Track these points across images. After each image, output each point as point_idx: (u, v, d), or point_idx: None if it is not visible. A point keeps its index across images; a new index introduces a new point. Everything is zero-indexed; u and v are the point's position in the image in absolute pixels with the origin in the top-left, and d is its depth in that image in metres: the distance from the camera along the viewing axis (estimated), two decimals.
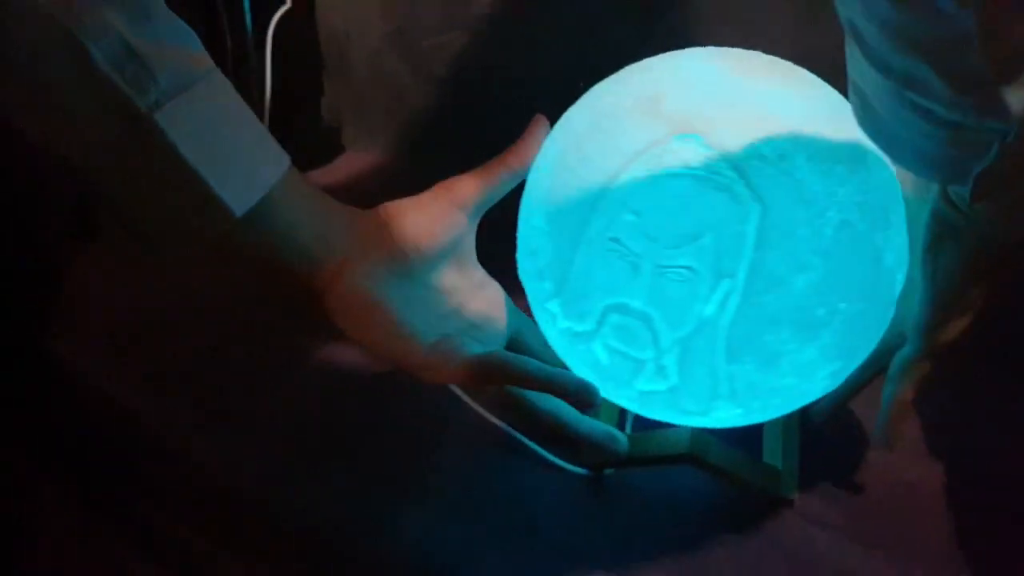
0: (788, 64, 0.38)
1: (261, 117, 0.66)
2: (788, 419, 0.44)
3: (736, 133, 0.33)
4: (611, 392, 0.39)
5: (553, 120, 0.41)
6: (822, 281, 0.34)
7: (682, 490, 0.44)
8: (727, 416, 0.38)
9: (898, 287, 0.37)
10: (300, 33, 0.79)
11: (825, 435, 0.44)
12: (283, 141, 0.37)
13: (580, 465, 0.45)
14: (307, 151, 0.73)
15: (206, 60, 0.34)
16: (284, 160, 0.36)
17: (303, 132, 0.83)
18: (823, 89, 0.37)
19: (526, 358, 0.38)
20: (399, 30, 0.78)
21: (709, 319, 0.34)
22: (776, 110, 0.35)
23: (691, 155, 0.34)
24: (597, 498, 0.44)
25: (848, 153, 0.34)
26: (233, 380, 0.53)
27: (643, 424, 0.43)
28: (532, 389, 0.38)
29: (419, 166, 0.79)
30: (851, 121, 0.34)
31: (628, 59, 0.42)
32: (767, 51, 0.39)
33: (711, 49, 0.38)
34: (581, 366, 0.39)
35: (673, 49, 0.40)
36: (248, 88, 0.72)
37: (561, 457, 0.45)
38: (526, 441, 0.46)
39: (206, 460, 0.48)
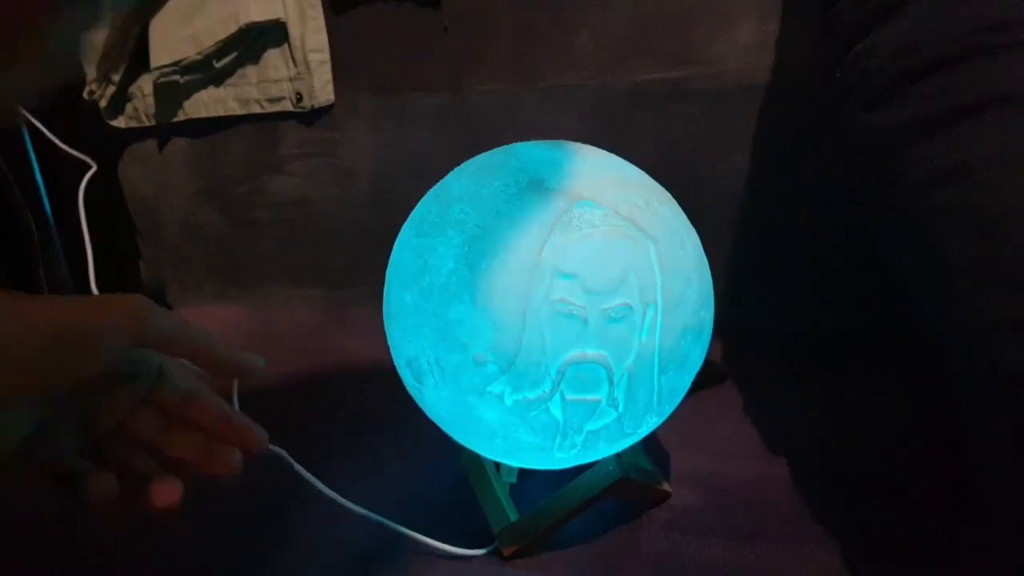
0: (589, 146, 0.47)
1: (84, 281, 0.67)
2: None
3: (612, 193, 0.41)
4: (552, 449, 0.43)
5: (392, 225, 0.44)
6: (701, 290, 0.43)
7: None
8: (648, 427, 0.45)
9: None
10: (108, 200, 0.78)
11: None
12: None
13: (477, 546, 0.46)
14: None
15: None
16: None
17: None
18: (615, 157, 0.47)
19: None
20: (208, 186, 0.77)
21: (646, 343, 0.41)
22: (622, 172, 0.44)
23: (591, 217, 0.40)
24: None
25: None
26: None
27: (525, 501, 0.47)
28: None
29: (254, 308, 0.84)
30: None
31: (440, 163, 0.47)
32: None
33: (541, 142, 0.46)
34: (532, 431, 0.41)
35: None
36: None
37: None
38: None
39: None
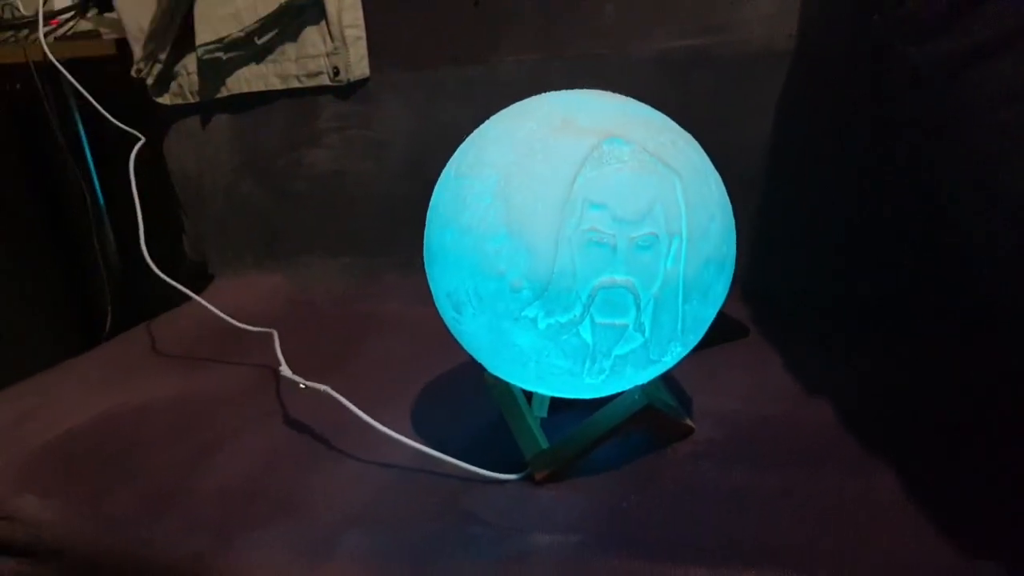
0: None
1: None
2: None
3: (640, 132, 0.44)
4: (581, 373, 0.45)
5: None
6: (723, 226, 0.46)
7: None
8: (673, 356, 0.47)
9: None
10: (154, 173, 0.82)
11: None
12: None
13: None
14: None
15: None
16: None
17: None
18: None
19: None
20: (249, 159, 0.81)
21: (671, 271, 0.43)
22: (649, 115, 0.47)
23: (620, 152, 0.43)
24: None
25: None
26: None
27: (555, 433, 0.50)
28: None
29: (291, 277, 0.87)
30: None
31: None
32: None
33: (566, 91, 0.49)
34: (564, 355, 0.44)
35: None
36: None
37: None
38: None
39: None
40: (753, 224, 0.72)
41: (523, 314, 0.43)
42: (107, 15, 1.05)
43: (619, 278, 0.42)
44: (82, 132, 0.94)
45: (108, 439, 0.62)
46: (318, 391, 0.55)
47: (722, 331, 0.59)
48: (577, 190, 0.42)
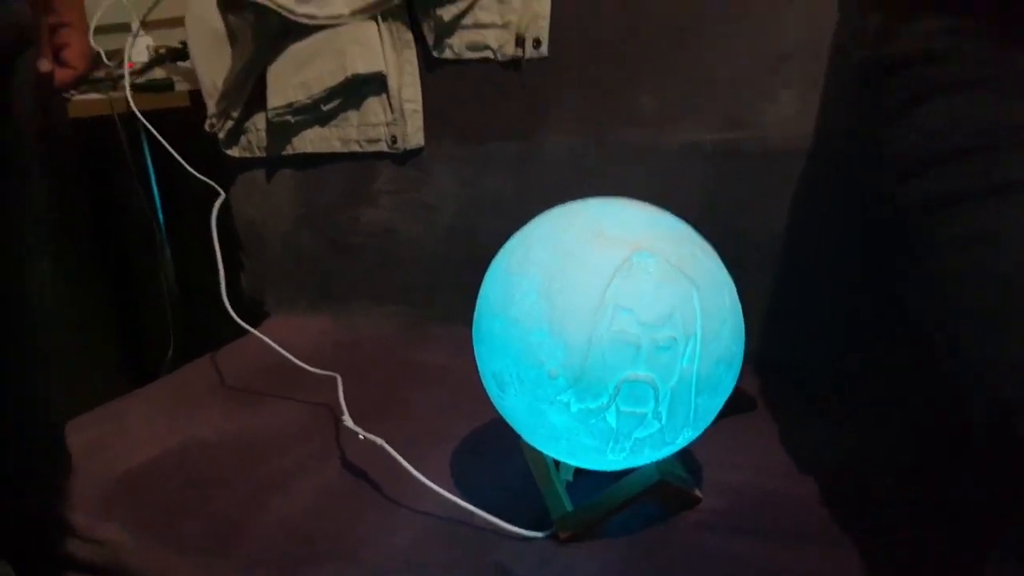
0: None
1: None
2: None
3: (665, 245, 0.51)
4: (605, 451, 0.52)
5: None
6: (734, 329, 0.53)
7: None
8: (685, 439, 0.54)
9: None
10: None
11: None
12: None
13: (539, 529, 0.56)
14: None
15: None
16: None
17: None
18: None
19: None
20: (308, 212, 0.88)
21: (686, 368, 0.50)
22: (674, 227, 0.54)
23: (647, 264, 0.50)
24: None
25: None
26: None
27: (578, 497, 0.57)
28: None
29: (340, 320, 0.96)
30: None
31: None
32: None
33: (608, 198, 0.56)
34: (591, 435, 0.51)
35: None
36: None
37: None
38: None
39: None
40: (766, 302, 0.79)
41: (558, 399, 0.50)
42: (180, 64, 1.15)
43: (641, 373, 0.49)
44: (152, 174, 1.03)
45: (180, 471, 0.70)
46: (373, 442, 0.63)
47: (732, 404, 0.66)
48: (609, 296, 0.49)
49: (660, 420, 0.51)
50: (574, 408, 0.50)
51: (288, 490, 0.65)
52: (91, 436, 0.77)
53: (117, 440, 0.76)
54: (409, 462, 0.60)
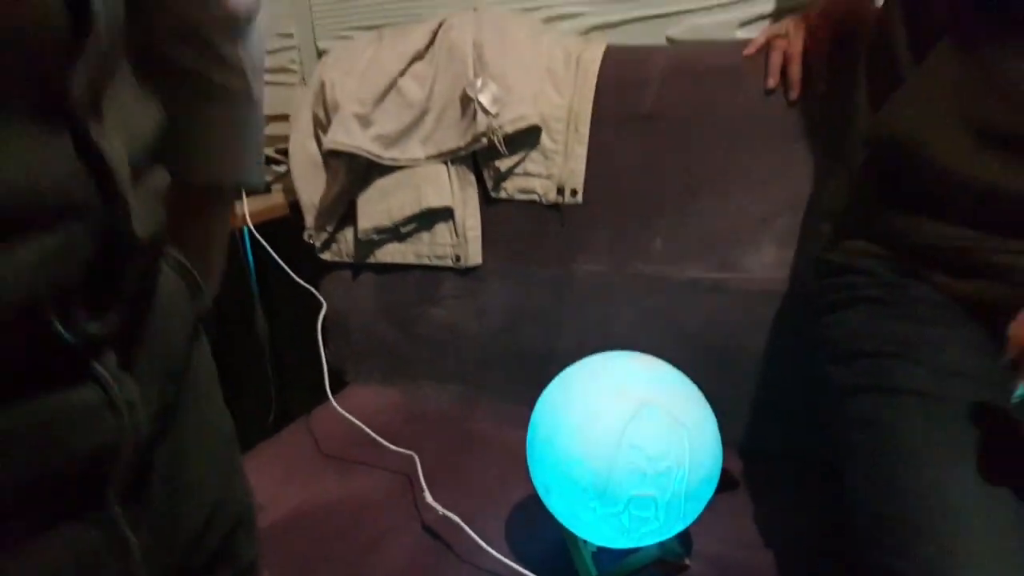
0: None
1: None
2: None
3: (666, 398, 0.74)
4: (620, 539, 0.75)
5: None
6: (714, 456, 0.75)
7: None
8: (677, 529, 0.77)
9: None
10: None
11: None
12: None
13: None
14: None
15: None
16: None
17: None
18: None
19: None
20: (386, 307, 1.12)
21: (678, 487, 0.73)
22: (674, 381, 0.77)
23: (652, 413, 0.73)
24: None
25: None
26: None
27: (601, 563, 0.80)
28: None
29: (408, 394, 1.18)
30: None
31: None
32: None
33: (625, 354, 0.79)
34: (611, 528, 0.74)
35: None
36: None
37: None
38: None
39: None
40: (750, 403, 1.01)
41: (588, 505, 0.73)
42: (274, 167, 1.38)
43: (646, 491, 0.72)
44: (252, 272, 1.26)
45: (300, 532, 0.93)
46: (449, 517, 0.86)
47: (720, 484, 0.88)
48: (625, 437, 0.72)
49: (659, 520, 0.74)
50: (599, 512, 0.73)
51: (380, 553, 0.88)
52: None
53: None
54: (473, 529, 0.83)
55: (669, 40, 1.18)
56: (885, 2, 0.77)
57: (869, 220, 0.74)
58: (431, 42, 1.13)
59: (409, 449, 0.99)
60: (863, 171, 0.75)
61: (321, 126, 1.18)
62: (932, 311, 0.69)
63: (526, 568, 0.80)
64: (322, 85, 1.16)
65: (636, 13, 1.18)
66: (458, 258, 1.13)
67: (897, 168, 0.70)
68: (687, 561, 0.82)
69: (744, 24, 1.14)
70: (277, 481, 1.03)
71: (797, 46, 0.94)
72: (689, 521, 0.77)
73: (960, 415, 0.62)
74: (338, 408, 1.07)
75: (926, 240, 0.70)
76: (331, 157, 1.14)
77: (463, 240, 1.13)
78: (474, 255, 1.13)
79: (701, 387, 0.83)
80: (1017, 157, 0.64)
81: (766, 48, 0.99)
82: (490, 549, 0.82)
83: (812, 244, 0.85)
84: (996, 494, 0.58)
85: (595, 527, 0.75)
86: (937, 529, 0.57)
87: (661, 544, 0.79)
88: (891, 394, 0.66)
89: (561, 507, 0.76)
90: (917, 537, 0.58)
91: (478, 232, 1.13)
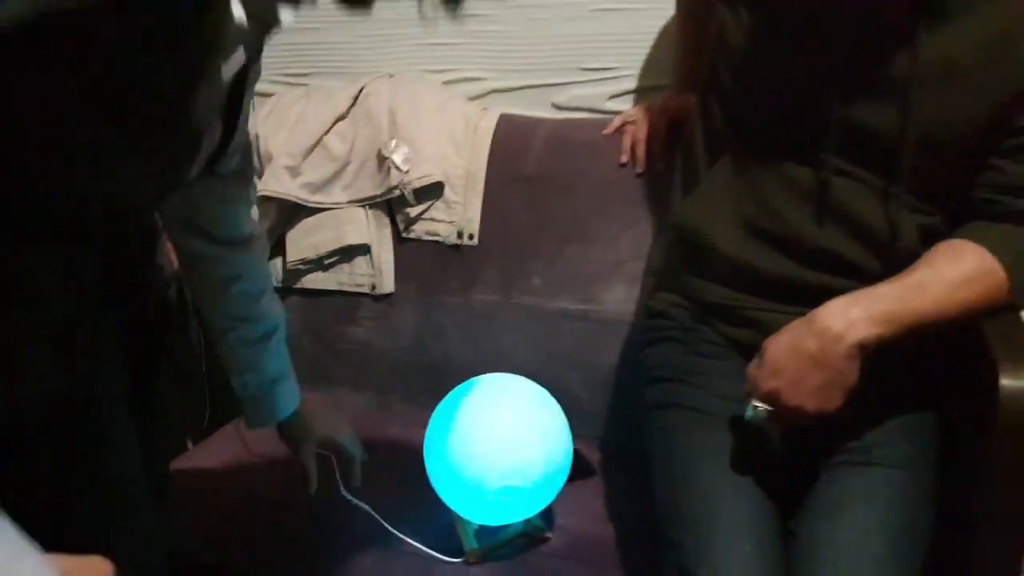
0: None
1: None
2: None
3: (529, 411, 0.99)
4: (495, 521, 1.00)
5: None
6: (563, 452, 1.01)
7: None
8: (537, 508, 1.02)
9: None
10: None
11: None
12: None
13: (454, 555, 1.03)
14: None
15: None
16: None
17: None
18: None
19: None
20: (310, 326, 1.31)
21: (537, 476, 0.98)
22: (536, 394, 1.02)
23: (520, 422, 0.97)
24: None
25: None
26: None
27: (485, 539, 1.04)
28: None
29: (329, 400, 1.36)
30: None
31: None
32: None
33: (504, 375, 1.03)
34: (486, 512, 0.98)
35: None
36: None
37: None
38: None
39: None
40: (608, 405, 1.27)
41: (469, 493, 0.97)
42: None
43: (512, 482, 0.97)
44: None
45: (231, 524, 1.13)
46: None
47: (581, 471, 1.15)
48: (497, 441, 0.96)
49: (522, 503, 0.98)
50: (477, 498, 0.97)
51: (305, 537, 1.09)
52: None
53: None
54: (380, 516, 1.06)
55: (554, 106, 1.42)
56: (694, 115, 1.03)
57: (676, 280, 1.01)
58: (352, 104, 1.34)
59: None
60: (672, 244, 1.02)
61: (256, 172, 1.38)
62: (712, 349, 0.96)
63: (423, 544, 1.03)
64: (256, 137, 1.35)
65: (527, 82, 1.42)
66: (374, 286, 1.36)
67: (692, 247, 0.97)
68: (548, 534, 1.08)
69: (613, 96, 1.39)
70: (211, 478, 1.23)
71: (642, 132, 1.20)
72: (546, 503, 1.02)
73: (724, 426, 0.89)
74: None
75: (711, 299, 0.96)
76: (264, 199, 1.34)
77: (379, 271, 1.35)
78: (388, 284, 1.35)
79: (569, 394, 1.08)
80: (770, 248, 0.91)
81: (620, 130, 1.24)
82: (394, 530, 1.05)
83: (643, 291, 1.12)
84: (741, 481, 0.85)
85: (474, 510, 0.99)
86: (699, 506, 0.84)
87: (527, 521, 1.04)
88: (678, 409, 0.93)
89: (449, 495, 1.00)
90: (685, 512, 0.85)
91: (391, 265, 1.35)
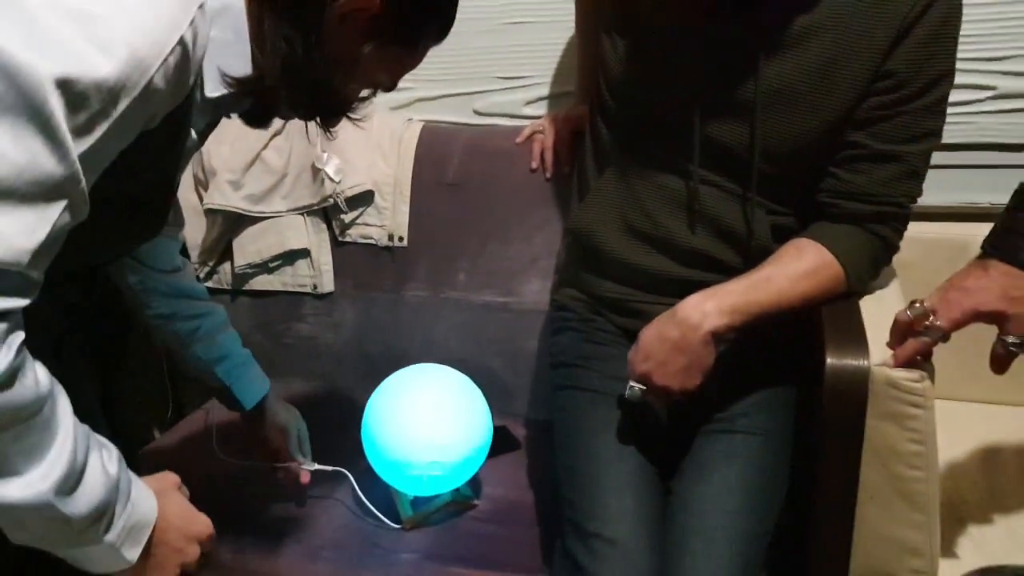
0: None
1: None
2: None
3: (452, 397, 1.13)
4: (426, 491, 1.14)
5: None
6: (482, 431, 1.16)
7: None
8: (463, 479, 1.16)
9: None
10: None
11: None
12: None
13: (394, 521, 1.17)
14: None
15: None
16: None
17: None
18: None
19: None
20: (259, 323, 1.42)
21: (460, 452, 1.12)
22: (458, 381, 1.16)
23: (444, 406, 1.12)
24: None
25: None
26: None
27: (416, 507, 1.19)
28: None
29: (280, 390, 1.34)
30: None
31: None
32: None
33: (430, 364, 1.17)
34: (417, 484, 1.13)
35: None
36: None
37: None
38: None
39: None
40: (529, 385, 1.42)
41: (400, 469, 1.11)
42: None
43: (437, 457, 1.11)
44: None
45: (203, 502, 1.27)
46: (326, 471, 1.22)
47: (506, 444, 1.30)
48: (423, 424, 1.10)
49: (448, 475, 1.13)
50: (408, 473, 1.12)
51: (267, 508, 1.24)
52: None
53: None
54: (330, 491, 1.20)
55: (475, 112, 1.55)
56: (585, 130, 1.17)
57: (575, 276, 1.15)
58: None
59: None
60: (570, 245, 1.16)
61: (201, 184, 1.49)
62: (606, 336, 1.11)
63: (367, 513, 1.17)
64: (200, 152, 1.46)
65: (450, 91, 1.54)
66: (315, 286, 1.48)
67: (586, 248, 1.11)
68: (476, 501, 1.22)
69: (528, 103, 1.52)
70: (177, 462, 1.35)
71: (549, 140, 1.34)
72: (469, 476, 1.17)
73: (613, 404, 1.04)
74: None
75: (604, 293, 1.11)
76: (210, 212, 1.46)
77: (319, 272, 1.47)
78: (328, 284, 1.48)
79: (495, 377, 1.22)
80: (650, 248, 1.06)
81: (530, 138, 1.38)
82: (342, 501, 1.19)
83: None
84: (625, 449, 1.01)
85: (407, 483, 1.14)
86: (589, 470, 0.99)
87: (456, 490, 1.19)
88: (576, 390, 1.08)
89: (384, 471, 1.14)
90: (578, 476, 1.00)
91: (330, 267, 1.47)
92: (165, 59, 0.56)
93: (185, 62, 0.59)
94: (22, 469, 0.57)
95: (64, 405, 0.61)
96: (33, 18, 0.51)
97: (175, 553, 0.74)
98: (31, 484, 0.57)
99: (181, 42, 0.57)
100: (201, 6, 0.60)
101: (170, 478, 0.79)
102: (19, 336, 0.56)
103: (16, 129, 0.50)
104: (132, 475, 0.69)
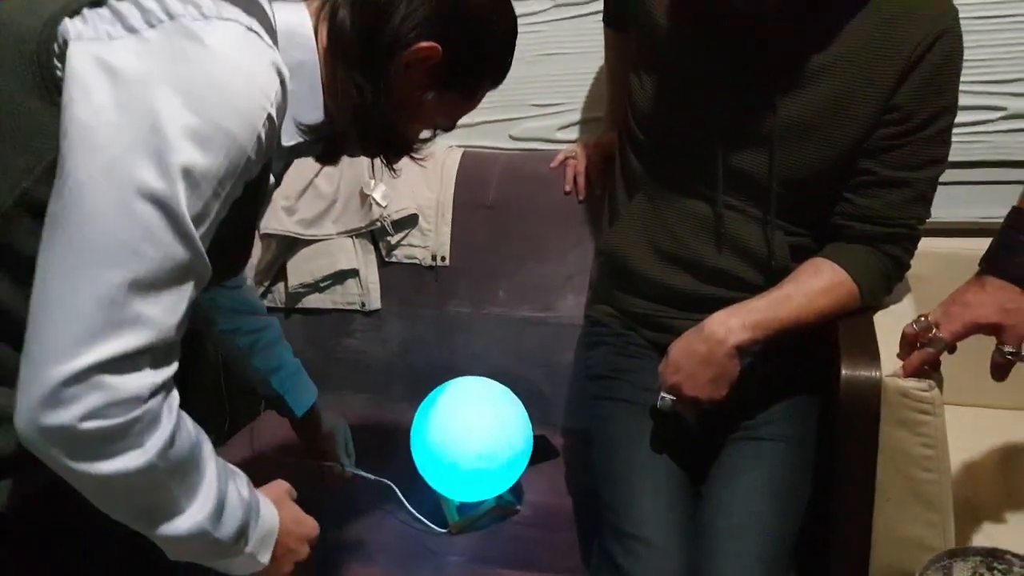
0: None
1: None
2: None
3: (495, 406, 1.22)
4: (472, 497, 1.23)
5: None
6: (524, 439, 1.24)
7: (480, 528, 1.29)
8: (506, 486, 1.25)
9: None
10: None
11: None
12: None
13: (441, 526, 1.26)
14: None
15: None
16: None
17: None
18: None
19: None
20: (311, 339, 1.53)
21: (503, 459, 1.21)
22: (500, 393, 1.24)
23: (487, 415, 1.21)
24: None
25: None
26: None
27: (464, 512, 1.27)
28: None
29: (331, 402, 1.41)
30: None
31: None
32: None
33: (474, 377, 1.26)
34: (463, 489, 1.21)
35: None
36: None
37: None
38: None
39: None
40: (566, 397, 1.50)
41: (447, 475, 1.20)
42: None
43: (483, 464, 1.20)
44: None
45: None
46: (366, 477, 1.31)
47: (545, 453, 1.38)
48: (470, 432, 1.19)
49: (493, 482, 1.22)
50: (454, 479, 1.21)
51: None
52: None
53: None
54: (379, 497, 1.29)
55: (511, 137, 1.64)
56: (615, 157, 1.26)
57: (607, 293, 1.24)
58: None
59: None
60: (602, 264, 1.25)
61: None
62: (638, 350, 1.19)
63: (414, 519, 1.27)
64: None
65: (487, 118, 1.64)
66: (364, 304, 1.58)
67: (617, 268, 1.20)
68: (519, 507, 1.31)
69: (561, 128, 1.61)
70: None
71: (581, 165, 1.43)
72: (513, 481, 1.25)
73: (646, 413, 1.12)
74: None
75: (635, 309, 1.20)
76: (266, 236, 1.57)
77: (367, 291, 1.57)
78: (375, 301, 1.58)
79: (534, 388, 1.30)
80: (677, 268, 1.14)
81: (563, 163, 1.47)
82: (394, 504, 1.29)
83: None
84: (658, 456, 1.08)
85: (453, 488, 1.23)
86: (625, 476, 1.07)
87: (499, 496, 1.27)
88: (611, 401, 1.16)
89: (432, 477, 1.24)
90: (615, 481, 1.08)
91: (377, 285, 1.57)
92: (258, 134, 0.64)
93: (272, 130, 0.67)
94: (185, 507, 0.66)
95: (207, 446, 0.70)
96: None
97: (290, 553, 0.83)
98: (192, 517, 0.66)
99: (268, 117, 0.65)
100: (279, 71, 0.67)
101: (283, 486, 0.86)
102: (176, 399, 0.65)
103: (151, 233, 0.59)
104: (257, 492, 0.79)
